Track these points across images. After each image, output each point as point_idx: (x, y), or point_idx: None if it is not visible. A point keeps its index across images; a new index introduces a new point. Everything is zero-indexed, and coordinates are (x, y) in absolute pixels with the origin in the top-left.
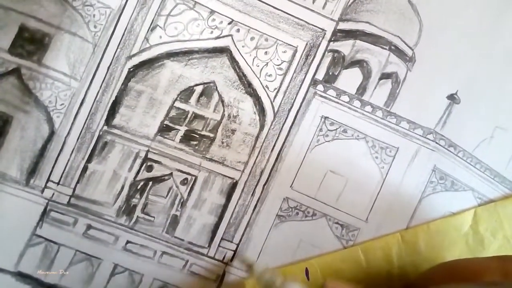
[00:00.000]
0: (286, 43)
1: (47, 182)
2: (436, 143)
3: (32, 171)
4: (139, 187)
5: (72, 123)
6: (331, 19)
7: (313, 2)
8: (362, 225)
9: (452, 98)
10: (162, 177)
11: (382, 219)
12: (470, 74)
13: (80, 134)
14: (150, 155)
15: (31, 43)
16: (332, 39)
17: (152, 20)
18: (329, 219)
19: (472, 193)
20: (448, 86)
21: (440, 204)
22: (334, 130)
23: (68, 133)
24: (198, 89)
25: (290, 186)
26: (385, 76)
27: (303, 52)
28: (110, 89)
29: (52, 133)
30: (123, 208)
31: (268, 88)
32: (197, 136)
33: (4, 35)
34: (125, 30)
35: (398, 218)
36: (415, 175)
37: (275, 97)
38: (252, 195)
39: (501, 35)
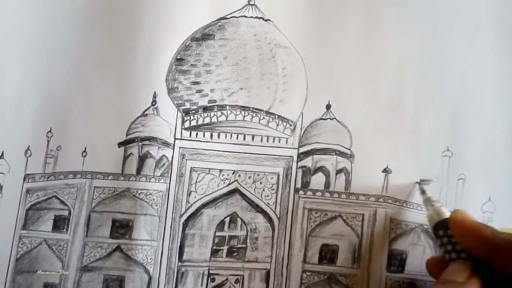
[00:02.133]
0: (271, 172)
1: None
2: (385, 202)
3: None
4: None
5: (160, 268)
6: (294, 148)
7: (279, 141)
8: None
9: (386, 171)
10: (222, 283)
11: None
12: (394, 153)
13: (166, 272)
14: (211, 271)
15: (122, 228)
16: (298, 160)
17: (188, 189)
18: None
19: (421, 227)
20: (380, 164)
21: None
22: (318, 216)
23: (159, 274)
24: (227, 220)
25: (303, 261)
26: (338, 171)
27: (283, 174)
28: (176, 239)
29: (150, 279)
30: None
31: (269, 204)
32: (235, 249)
33: (104, 228)
34: (174, 201)
35: None
36: (380, 229)
37: (275, 208)
38: (281, 275)
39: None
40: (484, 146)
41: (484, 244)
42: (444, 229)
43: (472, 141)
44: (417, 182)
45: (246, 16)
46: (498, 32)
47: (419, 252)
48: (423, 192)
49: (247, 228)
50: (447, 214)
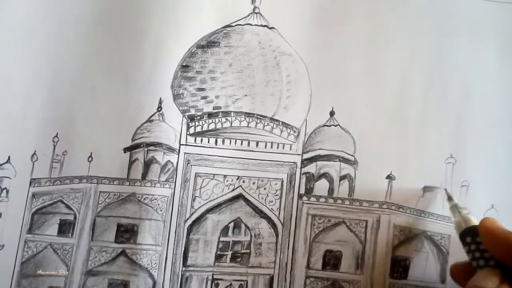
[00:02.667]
0: (275, 178)
1: None
2: (389, 208)
3: None
4: None
5: (164, 272)
6: (298, 154)
7: (283, 148)
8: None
9: (389, 177)
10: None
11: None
12: (397, 160)
13: (170, 277)
14: (215, 276)
15: (127, 232)
16: (302, 166)
17: (192, 194)
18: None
19: (424, 234)
20: (384, 171)
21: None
22: (322, 222)
23: (163, 279)
24: (231, 225)
25: (307, 267)
26: (342, 178)
27: (287, 180)
28: (180, 244)
29: (154, 283)
30: None
31: (273, 210)
32: (239, 255)
33: (109, 233)
34: (178, 206)
35: None
36: (383, 235)
37: (279, 214)
38: (284, 281)
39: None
40: (488, 154)
41: None
42: (472, 236)
43: (476, 148)
44: (444, 189)
45: (251, 24)
46: (501, 40)
47: (423, 259)
48: (450, 198)
49: (251, 233)
50: (475, 221)
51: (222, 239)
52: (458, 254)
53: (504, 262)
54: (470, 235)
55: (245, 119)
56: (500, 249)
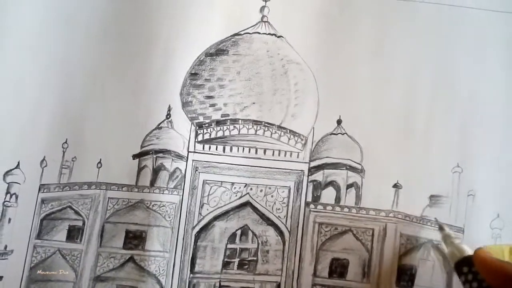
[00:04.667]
0: (283, 186)
1: None
2: (395, 217)
3: None
4: None
5: (172, 279)
6: (305, 162)
7: (291, 156)
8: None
9: (396, 186)
10: None
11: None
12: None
13: (178, 284)
14: (222, 283)
15: (135, 239)
16: (309, 174)
17: (200, 201)
18: None
19: (431, 243)
20: (391, 180)
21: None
22: (328, 230)
23: (171, 286)
24: (238, 232)
25: (313, 275)
26: (349, 186)
27: (294, 188)
28: (187, 251)
29: None
30: None
31: (280, 217)
32: (246, 262)
33: (117, 239)
34: (186, 213)
35: None
36: (389, 244)
37: (286, 221)
38: None
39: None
40: (494, 163)
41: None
42: (468, 266)
43: (482, 157)
44: (435, 218)
45: (259, 33)
46: (506, 50)
47: (429, 267)
48: (441, 228)
49: (258, 241)
50: (469, 251)
51: (229, 246)
52: None
53: None
54: (466, 265)
55: (253, 126)
56: (498, 278)
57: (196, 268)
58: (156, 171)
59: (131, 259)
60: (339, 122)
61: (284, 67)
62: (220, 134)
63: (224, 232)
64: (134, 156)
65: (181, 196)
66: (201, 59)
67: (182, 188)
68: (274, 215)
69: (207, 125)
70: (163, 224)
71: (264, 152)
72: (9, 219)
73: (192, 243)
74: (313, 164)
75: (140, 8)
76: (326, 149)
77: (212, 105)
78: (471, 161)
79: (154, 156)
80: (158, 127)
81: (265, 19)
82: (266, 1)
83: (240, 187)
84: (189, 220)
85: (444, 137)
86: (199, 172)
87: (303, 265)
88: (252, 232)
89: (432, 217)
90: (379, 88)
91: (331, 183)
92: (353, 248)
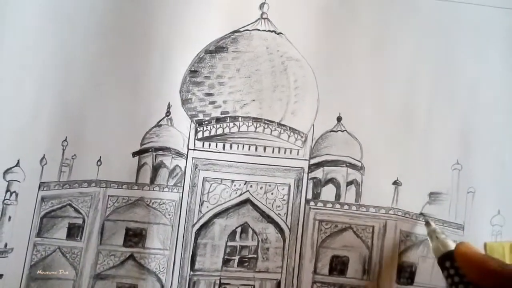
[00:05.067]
0: (282, 183)
1: None
2: (395, 214)
3: None
4: None
5: (172, 276)
6: (305, 160)
7: (290, 153)
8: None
9: (396, 183)
10: None
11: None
12: (404, 166)
13: (178, 281)
14: (222, 281)
15: (135, 236)
16: (309, 171)
17: (200, 199)
18: None
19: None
20: (390, 177)
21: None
22: (328, 227)
23: (171, 283)
24: (238, 230)
25: (314, 272)
26: (349, 183)
27: (294, 185)
28: (187, 249)
29: (162, 287)
30: None
31: (280, 215)
32: (247, 259)
33: (118, 236)
34: (186, 210)
35: None
36: (389, 241)
37: (286, 219)
38: (291, 286)
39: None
40: (494, 160)
41: (492, 277)
42: (451, 261)
43: (482, 154)
44: (421, 213)
45: (258, 30)
46: (507, 46)
47: (429, 265)
48: (427, 223)
49: (258, 238)
50: (453, 246)
51: (229, 243)
52: None
53: (482, 286)
54: (449, 259)
55: (252, 124)
56: (478, 274)
57: (196, 266)
58: (156, 169)
59: (131, 256)
60: (339, 119)
61: (284, 64)
62: (220, 131)
63: (224, 229)
64: (134, 154)
65: (181, 194)
66: (201, 56)
67: (182, 185)
68: (274, 213)
69: (207, 122)
70: (163, 221)
71: (264, 150)
72: (9, 217)
73: (192, 241)
74: (313, 161)
75: (139, 6)
76: (326, 146)
77: (212, 103)
78: (471, 158)
79: (154, 153)
80: (158, 125)
81: (264, 16)
82: None
83: (240, 185)
84: (189, 217)
85: (444, 134)
86: (199, 170)
87: (303, 262)
88: (252, 229)
89: (432, 215)
90: (379, 85)
91: (331, 180)
92: (353, 245)
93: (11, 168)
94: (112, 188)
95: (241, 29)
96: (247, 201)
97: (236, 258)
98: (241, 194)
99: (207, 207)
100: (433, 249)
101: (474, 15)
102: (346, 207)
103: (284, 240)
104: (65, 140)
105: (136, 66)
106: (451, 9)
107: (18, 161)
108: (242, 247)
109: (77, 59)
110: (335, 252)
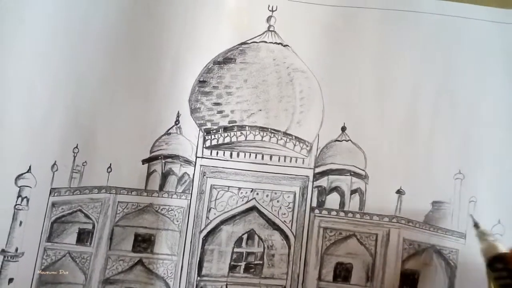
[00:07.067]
0: (288, 191)
1: None
2: (399, 222)
3: None
4: None
5: (180, 282)
6: (310, 168)
7: (296, 162)
8: None
9: (399, 192)
10: None
11: None
12: (407, 175)
13: (185, 286)
14: (229, 286)
15: (144, 242)
16: (314, 180)
17: (208, 206)
18: None
19: (433, 248)
20: (394, 186)
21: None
22: (333, 234)
23: None
24: (245, 236)
25: (318, 279)
26: (353, 192)
27: (299, 193)
28: (195, 254)
29: None
30: None
31: (285, 222)
32: (252, 266)
33: (127, 242)
34: (194, 217)
35: None
36: (393, 249)
37: (291, 226)
38: None
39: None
40: (495, 170)
41: None
42: (503, 263)
43: (484, 164)
44: (470, 215)
45: (266, 42)
46: (508, 58)
47: (431, 272)
48: (476, 225)
49: (264, 245)
50: (503, 248)
51: (236, 250)
52: (467, 268)
53: None
54: (501, 261)
55: (259, 133)
56: None
57: (203, 271)
58: (165, 176)
59: (139, 262)
60: (343, 129)
61: (290, 75)
62: (227, 140)
63: (231, 236)
64: (144, 161)
65: (189, 201)
66: (209, 67)
67: (190, 192)
68: (280, 220)
69: (214, 131)
70: (171, 227)
71: (270, 158)
72: (20, 222)
73: (200, 247)
74: (318, 170)
75: (151, 17)
76: (330, 156)
77: (220, 112)
78: (473, 168)
79: (163, 161)
80: (167, 133)
81: (271, 29)
82: (273, 11)
83: (246, 192)
84: (197, 224)
85: (446, 144)
86: (207, 177)
87: (308, 269)
88: (258, 236)
89: (433, 223)
90: (383, 96)
91: (336, 189)
92: (357, 253)
93: (22, 174)
94: (121, 195)
95: (249, 41)
96: (253, 208)
97: (242, 264)
98: (247, 202)
99: (214, 213)
100: (483, 251)
101: (475, 29)
102: (350, 215)
103: (289, 247)
104: (76, 147)
105: (147, 75)
106: (453, 23)
107: (30, 167)
108: (248, 254)
109: (89, 67)
110: (339, 259)
